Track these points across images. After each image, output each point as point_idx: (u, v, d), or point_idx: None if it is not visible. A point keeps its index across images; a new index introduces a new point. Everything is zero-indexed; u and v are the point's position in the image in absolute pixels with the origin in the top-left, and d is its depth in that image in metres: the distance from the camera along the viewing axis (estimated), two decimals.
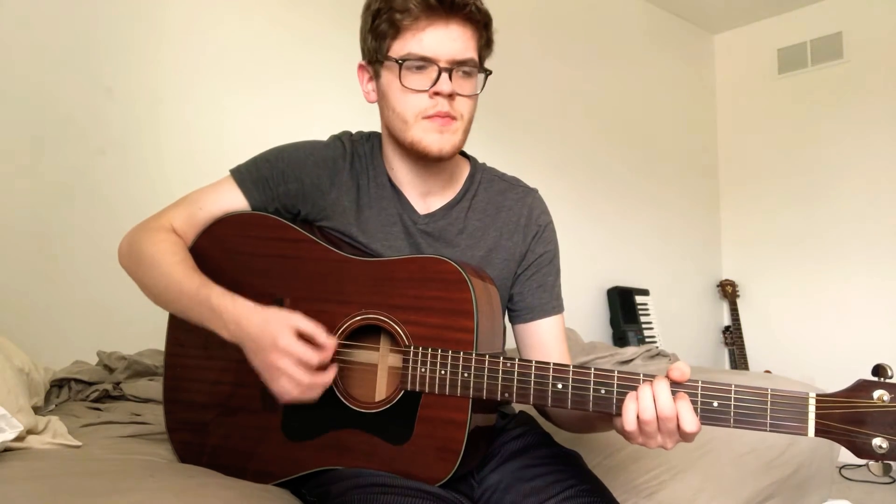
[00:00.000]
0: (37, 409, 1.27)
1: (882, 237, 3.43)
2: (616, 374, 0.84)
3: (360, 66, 1.06)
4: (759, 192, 3.91)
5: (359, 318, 0.97)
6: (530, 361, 0.88)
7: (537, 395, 0.87)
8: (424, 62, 0.95)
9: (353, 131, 1.13)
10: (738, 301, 3.86)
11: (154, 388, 1.43)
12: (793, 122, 3.78)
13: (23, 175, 1.72)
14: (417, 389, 0.92)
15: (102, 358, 1.55)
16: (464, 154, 1.15)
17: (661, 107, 3.74)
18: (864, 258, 3.49)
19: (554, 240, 1.14)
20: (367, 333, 1.00)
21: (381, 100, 1.03)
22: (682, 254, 3.82)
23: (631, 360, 2.15)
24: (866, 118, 3.50)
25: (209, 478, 0.96)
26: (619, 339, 3.20)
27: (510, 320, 1.14)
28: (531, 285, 1.10)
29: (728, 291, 3.88)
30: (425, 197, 1.09)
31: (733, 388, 0.78)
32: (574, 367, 0.86)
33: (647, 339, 3.25)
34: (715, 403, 0.79)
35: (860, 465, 2.61)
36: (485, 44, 1.01)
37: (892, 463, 0.73)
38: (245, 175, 1.08)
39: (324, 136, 1.13)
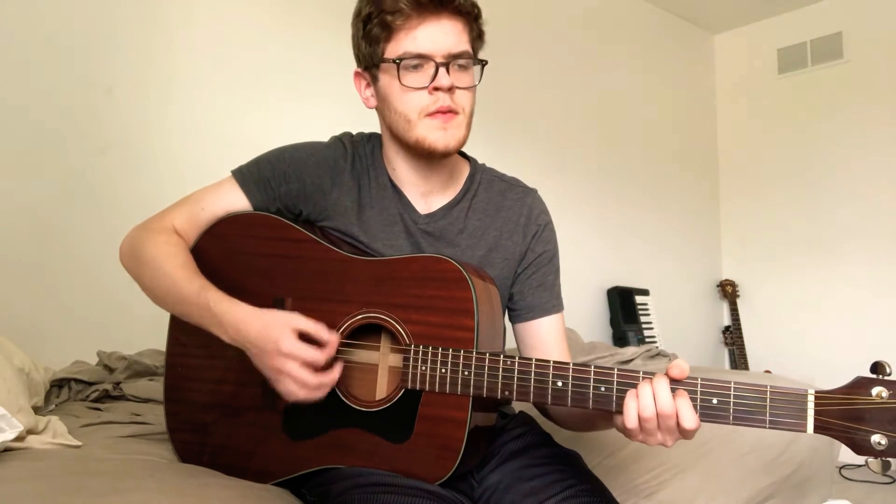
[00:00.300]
0: (37, 409, 1.27)
1: (882, 237, 3.43)
2: (616, 371, 0.84)
3: (357, 74, 1.06)
4: (759, 192, 3.91)
5: (360, 317, 0.97)
6: (530, 359, 0.88)
7: (537, 394, 0.87)
8: (421, 59, 0.96)
9: (354, 132, 1.14)
10: (738, 301, 3.86)
11: (154, 388, 1.43)
12: (793, 122, 3.78)
13: (23, 175, 1.72)
14: (418, 388, 0.92)
15: (102, 358, 1.55)
16: (464, 155, 1.15)
17: (661, 107, 3.74)
18: (864, 258, 3.49)
19: (553, 239, 1.15)
20: (367, 333, 1.00)
21: (382, 103, 1.03)
22: (682, 254, 3.81)
23: (631, 360, 2.15)
24: (866, 118, 3.49)
25: (210, 477, 0.96)
26: (619, 339, 3.20)
27: (510, 320, 1.15)
28: (531, 284, 1.11)
29: (728, 291, 3.88)
30: (426, 197, 1.09)
31: (732, 385, 0.79)
32: (574, 364, 0.86)
33: (647, 339, 3.25)
34: (714, 400, 0.79)
35: (860, 465, 2.61)
36: (477, 35, 1.01)
37: (891, 460, 0.73)
38: (247, 175, 1.09)
39: (325, 137, 1.14)
